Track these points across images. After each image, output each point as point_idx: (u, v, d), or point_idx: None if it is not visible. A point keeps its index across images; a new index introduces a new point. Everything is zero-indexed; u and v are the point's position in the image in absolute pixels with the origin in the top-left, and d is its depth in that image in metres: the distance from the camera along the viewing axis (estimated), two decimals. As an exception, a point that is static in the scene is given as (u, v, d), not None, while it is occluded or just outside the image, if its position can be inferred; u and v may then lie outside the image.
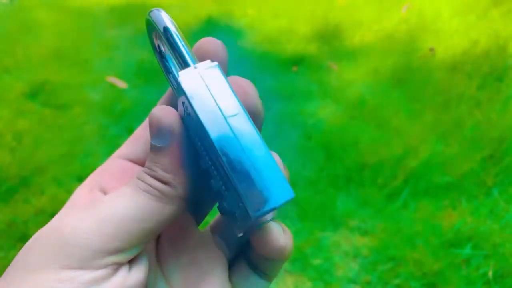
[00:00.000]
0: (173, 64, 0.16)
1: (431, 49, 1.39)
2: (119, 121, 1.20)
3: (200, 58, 0.15)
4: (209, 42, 0.17)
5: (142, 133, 0.18)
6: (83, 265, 0.13)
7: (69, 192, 0.93)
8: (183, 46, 0.15)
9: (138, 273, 0.15)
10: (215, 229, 0.18)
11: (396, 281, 0.74)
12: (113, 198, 0.14)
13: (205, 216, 0.19)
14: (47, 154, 1.05)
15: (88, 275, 0.13)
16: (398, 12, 1.64)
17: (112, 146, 1.11)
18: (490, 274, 0.72)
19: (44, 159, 1.03)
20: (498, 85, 1.20)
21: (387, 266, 0.76)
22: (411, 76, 1.30)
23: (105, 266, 0.13)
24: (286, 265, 0.77)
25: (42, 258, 0.13)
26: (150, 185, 0.14)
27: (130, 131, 1.17)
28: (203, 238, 0.18)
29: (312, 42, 1.58)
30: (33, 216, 0.88)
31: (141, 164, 0.17)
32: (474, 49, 1.34)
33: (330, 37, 1.59)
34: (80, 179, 0.98)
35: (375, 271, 0.76)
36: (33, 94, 1.30)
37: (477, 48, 1.34)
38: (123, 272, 0.14)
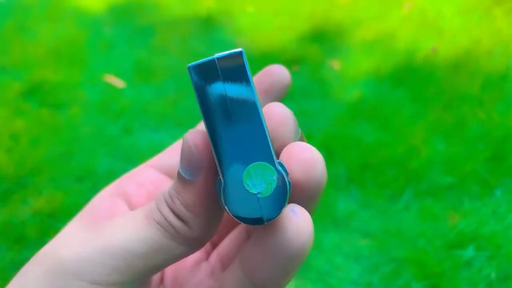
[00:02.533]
0: None
1: (433, 48, 1.38)
2: (117, 120, 1.19)
3: (267, 83, 0.16)
4: (276, 70, 0.17)
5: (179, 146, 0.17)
6: None
7: (67, 192, 0.92)
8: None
9: None
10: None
11: (398, 283, 0.73)
12: (121, 226, 0.13)
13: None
14: (44, 154, 1.04)
15: None
16: (400, 11, 1.63)
17: (110, 145, 1.10)
18: (493, 275, 0.72)
19: (41, 159, 1.02)
20: (501, 84, 1.19)
21: (389, 268, 0.76)
22: (413, 76, 1.29)
23: None
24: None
25: (40, 278, 0.12)
26: (166, 219, 0.13)
27: (128, 130, 1.16)
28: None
29: (313, 41, 1.57)
30: (31, 217, 0.87)
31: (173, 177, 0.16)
32: (477, 48, 1.33)
33: (331, 36, 1.58)
34: (78, 179, 0.97)
35: (377, 272, 0.75)
36: (30, 93, 1.29)
37: (480, 47, 1.33)
38: None
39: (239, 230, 0.17)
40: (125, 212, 0.16)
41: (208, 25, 1.77)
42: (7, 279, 0.16)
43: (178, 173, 0.13)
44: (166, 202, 0.13)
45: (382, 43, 1.47)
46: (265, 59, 1.48)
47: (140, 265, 0.13)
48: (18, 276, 0.13)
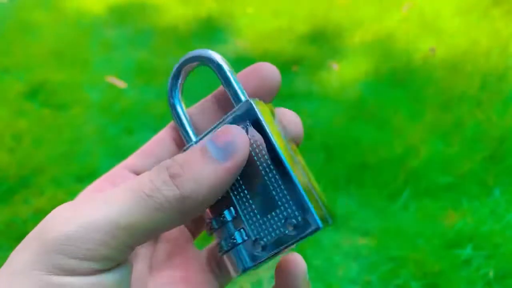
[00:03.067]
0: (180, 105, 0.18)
1: (432, 49, 1.39)
2: (118, 121, 1.20)
3: (255, 80, 0.17)
4: (265, 67, 0.17)
5: (153, 148, 0.17)
6: (65, 272, 0.13)
7: (69, 192, 0.93)
8: (235, 82, 0.16)
9: (118, 277, 0.14)
10: (212, 253, 0.18)
11: (397, 282, 0.74)
12: (105, 201, 0.13)
13: (200, 232, 0.19)
14: (46, 154, 1.05)
15: (69, 280, 0.13)
16: (399, 12, 1.64)
17: (111, 146, 1.10)
18: (491, 274, 0.72)
19: (43, 159, 1.03)
20: (499, 85, 1.20)
21: (387, 267, 0.76)
22: (411, 76, 1.29)
23: (89, 272, 0.13)
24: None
25: (27, 262, 0.13)
26: (159, 189, 0.13)
27: (129, 131, 1.17)
28: (198, 258, 0.17)
29: (312, 42, 1.58)
30: (32, 216, 0.87)
31: None
32: (475, 49, 1.34)
33: (330, 37, 1.59)
34: (80, 179, 0.98)
35: (376, 271, 0.76)
36: (32, 94, 1.30)
37: (478, 48, 1.34)
38: (104, 277, 0.13)
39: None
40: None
41: (208, 26, 1.78)
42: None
43: (203, 149, 0.14)
44: (170, 170, 0.14)
45: (381, 44, 1.48)
46: (265, 60, 1.48)
47: (126, 237, 0.13)
48: (6, 264, 0.13)
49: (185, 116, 0.18)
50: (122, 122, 1.19)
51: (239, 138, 0.14)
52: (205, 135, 0.16)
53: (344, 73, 1.37)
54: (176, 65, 0.18)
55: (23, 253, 0.13)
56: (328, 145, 1.04)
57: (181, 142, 0.18)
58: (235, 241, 0.15)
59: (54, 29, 1.74)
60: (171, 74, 0.18)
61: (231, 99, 0.16)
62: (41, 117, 1.19)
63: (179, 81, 0.18)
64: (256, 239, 0.14)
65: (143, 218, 0.13)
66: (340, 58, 1.45)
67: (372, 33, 1.55)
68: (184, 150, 0.17)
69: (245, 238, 0.15)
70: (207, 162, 0.14)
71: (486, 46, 1.33)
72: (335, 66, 1.41)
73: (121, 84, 1.37)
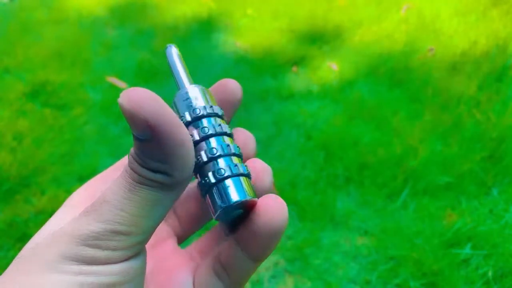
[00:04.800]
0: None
1: (431, 50, 1.39)
2: (119, 121, 1.20)
3: (220, 94, 0.19)
4: (230, 83, 0.19)
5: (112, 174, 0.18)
6: (100, 261, 0.13)
7: (69, 192, 0.93)
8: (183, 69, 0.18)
9: (143, 260, 0.15)
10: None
11: (396, 281, 0.74)
12: (110, 196, 0.14)
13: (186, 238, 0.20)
14: (47, 154, 1.05)
15: (104, 268, 0.13)
16: (398, 13, 1.65)
17: (112, 146, 1.11)
18: (489, 274, 0.72)
19: (44, 159, 1.03)
20: (498, 85, 1.20)
21: (386, 266, 0.76)
22: (410, 76, 1.30)
23: (122, 259, 0.14)
24: (286, 265, 0.77)
25: (61, 255, 0.13)
26: (145, 177, 0.14)
27: (129, 131, 1.17)
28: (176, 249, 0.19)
29: (312, 42, 1.58)
30: (34, 216, 0.88)
31: None
32: (474, 50, 1.34)
33: (329, 37, 1.59)
34: (81, 179, 0.98)
35: (375, 271, 0.76)
36: (34, 94, 1.30)
37: (477, 48, 1.34)
38: (133, 262, 0.14)
39: (216, 230, 0.19)
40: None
41: (208, 26, 1.78)
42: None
43: (135, 137, 0.14)
44: (139, 164, 0.14)
45: (380, 44, 1.48)
46: (265, 60, 1.49)
47: (143, 222, 0.14)
48: (33, 257, 0.14)
49: (180, 60, 0.18)
50: (123, 122, 1.19)
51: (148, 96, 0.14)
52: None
53: (343, 73, 1.37)
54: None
55: (52, 247, 0.14)
56: (328, 145, 1.04)
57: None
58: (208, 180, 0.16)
59: (55, 30, 1.74)
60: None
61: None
62: (42, 117, 1.20)
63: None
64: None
65: (153, 200, 0.14)
66: (339, 58, 1.46)
67: (371, 33, 1.55)
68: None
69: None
70: (146, 144, 0.14)
71: (485, 47, 1.34)
72: (335, 66, 1.41)
73: (121, 84, 1.37)
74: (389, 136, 1.06)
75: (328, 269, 0.76)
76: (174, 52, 0.18)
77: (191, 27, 1.78)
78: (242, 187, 0.15)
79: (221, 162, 0.15)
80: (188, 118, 0.16)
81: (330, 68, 1.41)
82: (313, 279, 0.75)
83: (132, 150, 0.14)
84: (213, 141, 0.16)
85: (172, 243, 0.19)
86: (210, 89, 0.18)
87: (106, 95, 1.32)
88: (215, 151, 0.15)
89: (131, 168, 0.14)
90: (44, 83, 1.34)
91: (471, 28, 1.42)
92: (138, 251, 0.14)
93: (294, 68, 1.45)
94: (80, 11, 1.94)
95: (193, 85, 0.17)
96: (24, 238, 0.83)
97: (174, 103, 0.17)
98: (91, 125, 1.19)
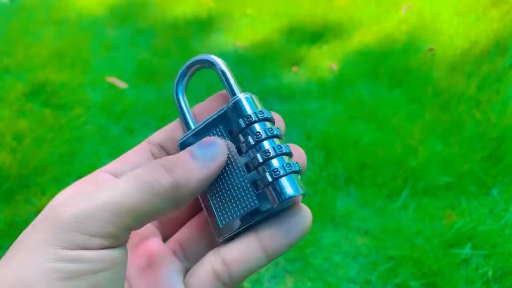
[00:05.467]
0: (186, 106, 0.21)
1: (431, 49, 1.39)
2: (119, 121, 1.20)
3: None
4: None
5: (132, 156, 0.20)
6: (78, 246, 0.14)
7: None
8: (233, 80, 0.20)
9: (122, 254, 0.16)
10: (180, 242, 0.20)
11: (396, 281, 0.74)
12: (113, 187, 0.15)
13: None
14: (47, 154, 1.05)
15: (82, 254, 0.14)
16: (398, 13, 1.65)
17: (112, 146, 1.11)
18: (489, 273, 0.73)
19: (44, 159, 1.03)
20: (498, 85, 1.20)
21: (386, 266, 0.76)
22: (410, 76, 1.30)
23: (99, 247, 0.15)
24: (285, 265, 0.77)
25: (42, 239, 0.14)
26: (158, 181, 0.15)
27: (130, 131, 1.17)
28: (162, 248, 0.20)
29: (312, 42, 1.58)
30: (34, 216, 0.88)
31: None
32: (474, 50, 1.34)
33: (329, 37, 1.59)
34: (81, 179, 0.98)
35: (375, 271, 0.76)
36: (34, 94, 1.31)
37: (477, 48, 1.34)
38: (111, 252, 0.15)
39: (198, 220, 0.20)
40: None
41: (208, 26, 1.79)
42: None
43: (191, 151, 0.17)
44: (164, 165, 0.16)
45: (380, 44, 1.48)
46: (265, 60, 1.49)
47: (128, 218, 0.15)
48: (19, 241, 0.14)
49: (186, 107, 0.21)
50: (123, 122, 1.19)
51: (216, 142, 0.18)
52: (203, 123, 0.20)
53: (343, 73, 1.37)
54: (184, 66, 0.21)
55: (37, 232, 0.14)
56: (328, 145, 1.04)
57: (158, 154, 0.21)
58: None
59: (55, 30, 1.74)
60: (179, 73, 0.21)
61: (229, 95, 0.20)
62: (42, 117, 1.20)
63: (185, 78, 0.21)
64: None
65: (142, 202, 0.15)
66: (339, 58, 1.46)
67: (371, 33, 1.55)
68: (181, 141, 0.20)
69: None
70: (195, 161, 0.17)
71: (485, 47, 1.34)
72: (335, 66, 1.41)
73: (121, 84, 1.37)
74: (389, 136, 1.06)
75: (328, 269, 0.76)
76: (221, 61, 0.20)
77: (191, 27, 1.78)
78: (295, 183, 0.17)
79: (275, 162, 0.17)
80: (243, 124, 0.18)
81: (330, 68, 1.41)
82: (313, 279, 0.75)
83: (164, 159, 0.16)
84: (266, 144, 0.18)
85: (157, 240, 0.20)
86: (203, 104, 0.21)
87: (106, 95, 1.32)
88: (269, 153, 0.17)
89: (151, 171, 0.16)
90: (44, 83, 1.34)
91: (471, 28, 1.42)
92: (116, 244, 0.15)
93: (294, 68, 1.45)
94: (80, 11, 1.95)
95: (243, 94, 0.19)
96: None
97: (227, 109, 0.19)
98: (91, 125, 1.19)
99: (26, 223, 0.86)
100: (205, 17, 1.84)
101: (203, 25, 1.79)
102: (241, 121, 0.18)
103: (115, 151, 1.08)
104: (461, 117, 1.09)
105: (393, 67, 1.34)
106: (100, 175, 0.19)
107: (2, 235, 0.84)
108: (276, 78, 1.39)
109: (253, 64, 1.46)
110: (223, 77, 0.20)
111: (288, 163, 0.17)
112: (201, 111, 0.21)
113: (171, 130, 0.21)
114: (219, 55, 0.20)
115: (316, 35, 1.61)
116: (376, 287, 0.73)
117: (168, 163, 0.16)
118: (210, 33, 1.73)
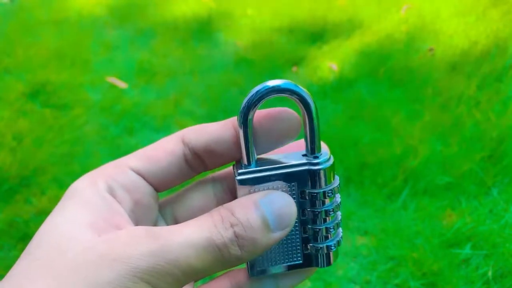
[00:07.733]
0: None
1: (431, 49, 1.39)
2: (119, 121, 1.20)
3: (275, 129, 0.18)
4: (287, 115, 0.18)
5: (163, 156, 0.18)
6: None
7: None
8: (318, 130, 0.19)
9: None
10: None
11: (396, 281, 0.74)
12: (185, 245, 0.15)
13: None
14: (47, 154, 1.05)
15: None
16: (398, 13, 1.65)
17: (112, 146, 1.11)
18: (489, 273, 0.73)
19: (44, 159, 1.03)
20: (498, 85, 1.20)
21: (386, 266, 0.76)
22: (410, 76, 1.30)
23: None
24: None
25: (110, 282, 0.14)
26: (227, 247, 0.15)
27: (130, 131, 1.17)
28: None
29: (312, 42, 1.58)
30: (34, 216, 0.88)
31: (153, 183, 0.18)
32: (474, 50, 1.34)
33: (329, 37, 1.59)
34: (81, 179, 0.98)
35: (375, 271, 0.76)
36: (34, 94, 1.31)
37: (477, 48, 1.34)
38: None
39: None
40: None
41: (208, 26, 1.79)
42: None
43: (265, 219, 0.16)
44: (235, 229, 0.15)
45: (380, 44, 1.48)
46: (265, 60, 1.49)
47: (195, 277, 0.15)
48: (84, 277, 0.14)
49: (250, 139, 0.18)
50: (123, 122, 1.19)
51: (292, 212, 0.17)
52: (271, 167, 0.18)
53: (343, 73, 1.37)
54: (255, 93, 0.17)
55: (105, 269, 0.14)
56: (328, 145, 1.04)
57: (193, 162, 0.18)
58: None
59: (55, 30, 1.74)
60: (247, 100, 0.17)
61: (306, 140, 0.19)
62: (42, 117, 1.20)
63: (257, 106, 0.17)
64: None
65: (208, 267, 0.15)
66: (339, 58, 1.46)
67: (371, 33, 1.55)
68: (238, 172, 0.17)
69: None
70: (266, 232, 0.16)
71: (485, 47, 1.34)
72: (335, 66, 1.41)
73: (121, 84, 1.38)
74: (389, 136, 1.06)
75: (328, 269, 0.76)
76: (308, 95, 0.18)
77: (191, 27, 1.78)
78: (337, 253, 0.19)
79: (331, 236, 0.19)
80: (322, 197, 0.18)
81: (330, 68, 1.41)
82: (313, 279, 0.75)
83: (234, 227, 0.16)
84: (329, 218, 0.18)
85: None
86: (258, 120, 0.18)
87: (106, 95, 1.33)
88: (331, 230, 0.19)
89: (222, 233, 0.15)
90: (44, 83, 1.34)
91: (471, 28, 1.42)
92: None
93: (294, 68, 1.45)
94: (80, 11, 1.95)
95: (326, 156, 0.19)
96: (25, 238, 0.83)
97: (307, 172, 0.18)
98: (91, 125, 1.19)
99: (26, 223, 0.86)
100: (205, 17, 1.84)
101: (203, 25, 1.79)
102: (321, 193, 0.18)
103: (115, 151, 1.08)
104: (461, 117, 1.09)
105: (393, 67, 1.34)
106: (128, 174, 0.17)
107: (2, 235, 0.84)
108: (276, 78, 1.39)
109: (253, 64, 1.46)
110: (307, 119, 0.18)
111: (339, 240, 0.19)
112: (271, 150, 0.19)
113: (213, 134, 0.18)
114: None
115: (316, 35, 1.61)
116: (376, 287, 0.73)
117: (239, 225, 0.15)
118: (210, 33, 1.73)
